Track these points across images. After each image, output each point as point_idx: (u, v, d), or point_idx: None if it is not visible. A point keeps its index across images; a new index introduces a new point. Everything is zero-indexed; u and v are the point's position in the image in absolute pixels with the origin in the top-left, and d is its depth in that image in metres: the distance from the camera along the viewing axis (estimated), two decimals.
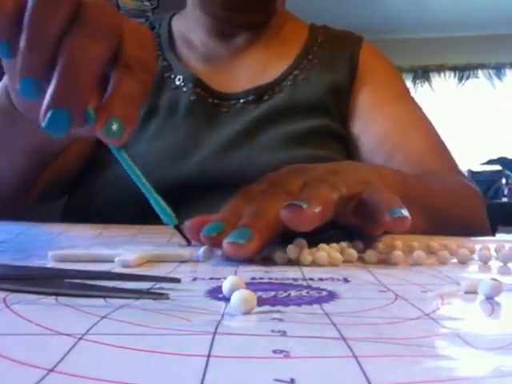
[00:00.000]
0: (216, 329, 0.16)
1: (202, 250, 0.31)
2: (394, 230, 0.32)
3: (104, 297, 0.20)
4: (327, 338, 0.15)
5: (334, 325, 0.16)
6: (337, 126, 0.68)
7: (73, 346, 0.14)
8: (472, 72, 4.57)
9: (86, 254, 0.30)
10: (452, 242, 0.36)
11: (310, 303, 0.20)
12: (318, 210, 0.30)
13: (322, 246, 0.32)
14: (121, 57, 0.32)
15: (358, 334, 0.15)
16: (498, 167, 3.39)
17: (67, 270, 0.24)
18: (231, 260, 0.30)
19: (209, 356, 0.13)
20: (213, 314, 0.18)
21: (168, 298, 0.20)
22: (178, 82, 0.68)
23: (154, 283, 0.23)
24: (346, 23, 1.56)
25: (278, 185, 0.34)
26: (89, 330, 0.15)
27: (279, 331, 0.16)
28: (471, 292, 0.22)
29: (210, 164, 0.61)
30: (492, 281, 0.21)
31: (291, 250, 0.30)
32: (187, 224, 0.34)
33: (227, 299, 0.19)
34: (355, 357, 0.13)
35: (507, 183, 3.33)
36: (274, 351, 0.14)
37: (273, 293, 0.22)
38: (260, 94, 0.67)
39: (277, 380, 0.12)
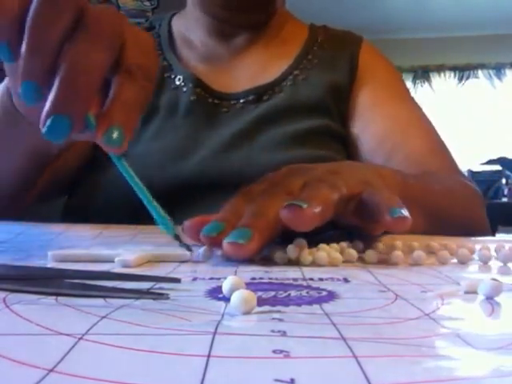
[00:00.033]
0: (216, 329, 0.16)
1: (201, 250, 0.31)
2: (394, 230, 0.32)
3: (104, 297, 0.20)
4: (327, 338, 0.15)
5: (334, 325, 0.16)
6: (337, 126, 0.68)
7: (73, 346, 0.14)
8: (472, 72, 4.57)
9: (85, 254, 0.30)
10: (452, 242, 0.36)
11: (309, 303, 0.20)
12: (318, 209, 0.30)
13: (322, 246, 0.32)
14: (122, 63, 0.32)
15: (357, 334, 0.15)
16: (498, 167, 3.39)
17: (67, 270, 0.24)
18: (231, 260, 0.30)
19: (209, 356, 0.13)
20: (213, 313, 0.18)
21: (168, 298, 0.20)
22: (178, 82, 0.68)
23: (153, 283, 0.23)
24: (346, 23, 1.55)
25: (278, 185, 0.34)
26: (89, 330, 0.15)
27: (279, 331, 0.16)
28: (471, 292, 0.22)
29: (210, 164, 0.61)
30: (492, 281, 0.21)
31: (291, 250, 0.30)
32: (187, 224, 0.34)
33: (227, 299, 0.19)
34: (355, 357, 0.13)
35: (507, 183, 3.33)
36: (274, 351, 0.14)
37: (273, 293, 0.22)
38: (260, 93, 0.67)
39: (277, 380, 0.12)
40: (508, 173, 3.33)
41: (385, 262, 0.31)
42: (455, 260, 0.32)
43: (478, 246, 0.34)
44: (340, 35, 0.75)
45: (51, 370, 0.12)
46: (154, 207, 0.32)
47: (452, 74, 4.61)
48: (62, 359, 0.13)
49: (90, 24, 0.31)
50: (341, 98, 0.69)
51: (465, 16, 4.10)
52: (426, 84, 4.62)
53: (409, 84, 4.44)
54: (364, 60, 0.72)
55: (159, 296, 0.20)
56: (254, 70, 0.70)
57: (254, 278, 0.25)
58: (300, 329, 0.16)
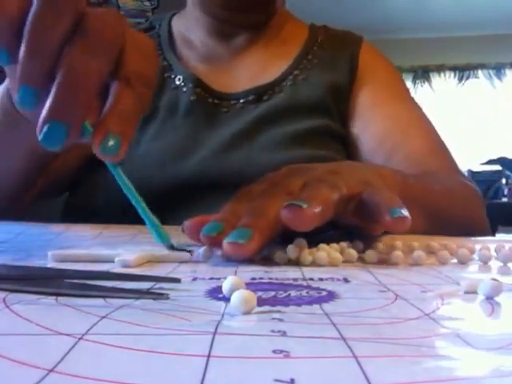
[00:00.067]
0: (216, 329, 0.16)
1: (201, 250, 0.31)
2: (395, 230, 0.32)
3: (104, 297, 0.20)
4: (327, 338, 0.15)
5: (334, 325, 0.16)
6: (337, 126, 0.68)
7: (73, 346, 0.14)
8: (472, 72, 4.57)
9: (85, 254, 0.30)
10: (452, 242, 0.36)
11: (309, 303, 0.20)
12: (318, 209, 0.30)
13: (322, 246, 0.32)
14: (121, 69, 0.32)
15: (357, 334, 0.15)
16: (498, 167, 3.39)
17: (67, 270, 0.24)
18: (231, 260, 0.30)
19: (209, 356, 0.13)
20: (213, 313, 0.18)
21: (168, 298, 0.20)
22: (178, 82, 0.68)
23: (154, 283, 0.23)
24: (346, 23, 1.56)
25: (278, 185, 0.34)
26: (89, 330, 0.15)
27: (279, 331, 0.16)
28: (471, 292, 0.22)
29: (210, 164, 0.61)
30: (492, 281, 0.21)
31: (291, 250, 0.30)
32: (187, 224, 0.34)
33: (227, 299, 0.19)
34: (355, 357, 0.13)
35: (507, 183, 3.33)
36: (274, 351, 0.14)
37: (273, 293, 0.22)
38: (260, 93, 0.67)
39: (277, 380, 0.12)
40: (508, 173, 3.33)
41: (385, 261, 0.31)
42: (455, 260, 0.32)
43: (478, 246, 0.34)
44: (340, 35, 0.75)
45: (51, 370, 0.12)
46: (148, 218, 0.31)
47: (452, 74, 4.61)
48: (62, 359, 0.13)
49: (89, 28, 0.31)
50: (341, 97, 0.69)
51: (465, 16, 4.10)
52: (426, 84, 4.62)
53: (409, 84, 4.44)
54: (364, 60, 0.72)
55: (159, 296, 0.20)
56: (254, 70, 0.70)
57: (254, 278, 0.25)
58: (300, 329, 0.16)
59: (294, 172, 0.37)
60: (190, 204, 0.57)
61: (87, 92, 0.30)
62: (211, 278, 0.25)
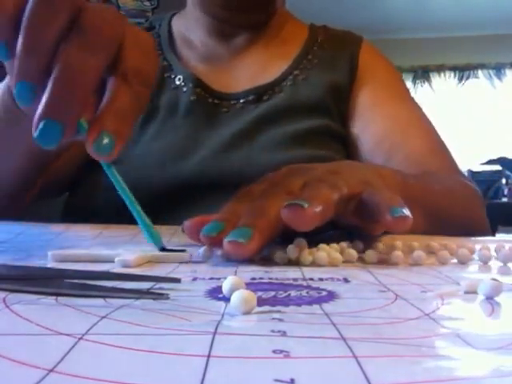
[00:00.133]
0: (216, 329, 0.16)
1: (201, 250, 0.31)
2: (395, 230, 0.32)
3: (104, 297, 0.20)
4: (327, 338, 0.15)
5: (334, 325, 0.16)
6: (337, 126, 0.68)
7: (73, 346, 0.14)
8: (472, 72, 4.57)
9: (85, 254, 0.30)
10: (452, 242, 0.36)
11: (309, 303, 0.20)
12: (318, 209, 0.30)
13: (322, 246, 0.32)
14: (119, 65, 0.31)
15: (357, 334, 0.15)
16: (498, 167, 3.39)
17: (67, 270, 0.24)
18: (231, 260, 0.30)
19: (209, 356, 0.13)
20: (213, 314, 0.18)
21: (168, 298, 0.20)
22: (178, 82, 0.68)
23: (153, 283, 0.23)
24: (346, 23, 1.56)
25: (278, 185, 0.34)
26: (89, 330, 0.15)
27: (279, 331, 0.16)
28: (471, 292, 0.22)
29: (210, 164, 0.61)
30: (492, 281, 0.21)
31: (291, 250, 0.30)
32: (187, 224, 0.34)
33: (227, 299, 0.19)
34: (355, 357, 0.13)
35: (507, 183, 3.33)
36: (274, 351, 0.14)
37: (273, 293, 0.22)
38: (260, 94, 0.67)
39: (277, 380, 0.12)
40: (508, 173, 3.33)
41: (385, 262, 0.31)
42: (455, 260, 0.32)
43: (478, 246, 0.34)
44: (340, 35, 0.75)
45: (51, 370, 0.12)
46: (141, 218, 0.31)
47: (452, 74, 4.61)
48: (62, 359, 0.13)
49: (86, 24, 0.31)
50: (341, 97, 0.69)
51: (465, 16, 4.10)
52: (426, 84, 4.62)
53: (409, 84, 4.44)
54: (364, 60, 0.72)
55: (159, 296, 0.20)
56: (254, 70, 0.70)
57: (254, 278, 0.25)
58: (300, 329, 0.16)
59: (294, 172, 0.37)
60: (189, 204, 0.57)
61: (83, 89, 0.30)
62: (211, 278, 0.25)
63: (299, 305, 0.19)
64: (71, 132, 0.30)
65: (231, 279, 0.20)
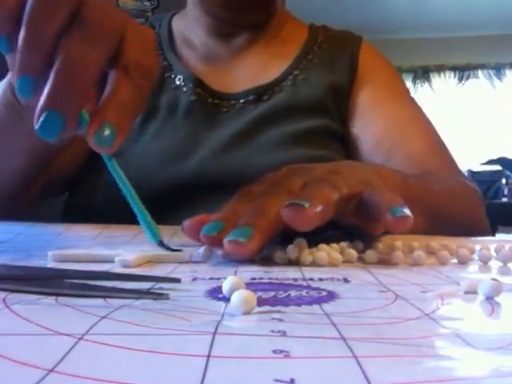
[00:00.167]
0: (216, 329, 0.16)
1: (201, 249, 0.31)
2: (396, 230, 0.32)
3: (104, 297, 0.20)
4: (327, 338, 0.15)
5: (334, 325, 0.16)
6: (336, 126, 0.68)
7: (73, 346, 0.14)
8: (472, 72, 4.57)
9: (86, 254, 0.30)
10: (452, 242, 0.36)
11: (309, 303, 0.20)
12: (319, 209, 0.30)
13: (322, 246, 0.32)
14: (120, 58, 0.32)
15: (357, 334, 0.15)
16: (498, 167, 3.39)
17: (67, 270, 0.24)
18: (231, 260, 0.30)
19: (209, 356, 0.13)
20: (213, 314, 0.18)
21: (168, 298, 0.20)
22: (178, 82, 0.68)
23: (153, 283, 0.23)
24: (346, 23, 1.56)
25: (279, 184, 0.34)
26: (89, 330, 0.15)
27: (279, 331, 0.16)
28: (471, 292, 0.22)
29: (210, 164, 0.61)
30: (492, 281, 0.21)
31: (291, 250, 0.30)
32: (186, 223, 0.34)
33: (227, 299, 0.19)
34: (355, 357, 0.13)
35: (507, 183, 3.33)
36: (274, 351, 0.14)
37: (273, 293, 0.22)
38: (260, 93, 0.67)
39: (277, 380, 0.12)
40: (508, 173, 3.33)
41: (385, 262, 0.31)
42: (455, 260, 0.32)
43: (477, 246, 0.34)
44: (340, 35, 0.75)
45: (51, 370, 0.12)
46: (140, 212, 0.31)
47: (452, 74, 4.61)
48: (62, 359, 0.13)
49: (87, 17, 0.31)
50: (341, 97, 0.69)
51: (465, 16, 4.10)
52: (426, 84, 4.62)
53: (409, 84, 4.44)
54: (364, 60, 0.72)
55: (159, 296, 0.20)
56: (254, 70, 0.70)
57: (254, 278, 0.25)
58: (300, 329, 0.16)
59: (294, 172, 0.36)
60: (189, 204, 0.57)
61: (84, 81, 0.30)
62: (211, 278, 0.25)
63: (299, 305, 0.19)
64: (73, 124, 0.30)
65: (231, 279, 0.20)
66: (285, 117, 0.65)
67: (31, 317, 0.17)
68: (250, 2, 0.68)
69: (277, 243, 0.32)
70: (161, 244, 0.31)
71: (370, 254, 0.31)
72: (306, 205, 0.29)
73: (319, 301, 0.20)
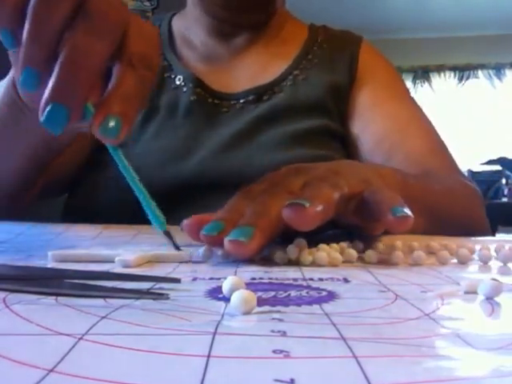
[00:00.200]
0: (216, 329, 0.16)
1: (201, 249, 0.31)
2: (396, 230, 0.32)
3: (104, 297, 0.20)
4: (327, 338, 0.15)
5: (334, 325, 0.16)
6: (336, 126, 0.68)
7: (73, 346, 0.14)
8: (472, 72, 4.57)
9: (86, 254, 0.30)
10: (452, 242, 0.36)
11: (309, 303, 0.20)
12: (320, 209, 0.30)
13: (322, 246, 0.32)
14: (124, 52, 0.32)
15: (357, 334, 0.15)
16: (498, 167, 3.39)
17: (67, 270, 0.24)
18: (231, 260, 0.30)
19: (209, 356, 0.13)
20: (213, 314, 0.18)
21: (168, 298, 0.20)
22: (178, 82, 0.68)
23: (153, 283, 0.23)
24: (346, 23, 1.56)
25: (279, 184, 0.34)
26: (89, 330, 0.15)
27: (279, 331, 0.16)
28: (471, 292, 0.22)
29: (210, 164, 0.61)
30: (492, 281, 0.21)
31: (291, 250, 0.30)
32: (186, 223, 0.34)
33: (227, 299, 0.19)
34: (355, 357, 0.13)
35: (507, 183, 3.33)
36: (274, 351, 0.14)
37: (273, 293, 0.22)
38: (260, 93, 0.67)
39: (277, 380, 0.12)
40: (508, 173, 3.33)
41: (385, 262, 0.31)
42: (455, 260, 0.32)
43: (477, 246, 0.34)
44: (340, 35, 0.75)
45: (51, 370, 0.12)
46: (146, 201, 0.31)
47: (452, 74, 4.61)
48: (62, 359, 0.13)
49: (91, 11, 0.31)
50: (340, 97, 0.69)
51: (465, 16, 4.10)
52: (426, 84, 4.62)
53: (409, 84, 4.44)
54: (364, 60, 0.72)
55: (159, 296, 0.20)
56: (254, 70, 0.70)
57: (254, 278, 0.25)
58: (300, 329, 0.16)
59: (294, 172, 0.36)
60: (189, 204, 0.57)
61: (89, 73, 0.30)
62: (211, 278, 0.25)
63: (299, 305, 0.19)
64: (77, 116, 0.30)
65: (231, 279, 0.20)
66: (285, 117, 0.65)
67: (31, 317, 0.17)
68: (250, 2, 0.68)
69: (277, 243, 0.32)
70: (166, 234, 0.31)
71: (370, 254, 0.31)
72: (307, 204, 0.29)
73: (319, 301, 0.20)
